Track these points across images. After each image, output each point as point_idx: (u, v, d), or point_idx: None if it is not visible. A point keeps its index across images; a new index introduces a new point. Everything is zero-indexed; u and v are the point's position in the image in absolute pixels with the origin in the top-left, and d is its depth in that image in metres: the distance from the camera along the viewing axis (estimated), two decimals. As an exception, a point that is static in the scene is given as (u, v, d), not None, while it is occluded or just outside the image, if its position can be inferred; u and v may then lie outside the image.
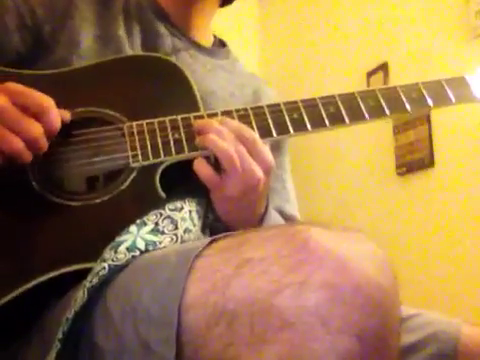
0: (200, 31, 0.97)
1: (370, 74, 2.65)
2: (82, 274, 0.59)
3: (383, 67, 2.58)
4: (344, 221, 2.53)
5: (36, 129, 0.66)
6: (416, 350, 0.79)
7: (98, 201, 0.70)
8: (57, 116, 0.69)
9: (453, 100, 0.85)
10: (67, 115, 0.73)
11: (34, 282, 0.64)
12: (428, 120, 2.31)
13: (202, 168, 0.73)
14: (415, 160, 2.37)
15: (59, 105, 0.74)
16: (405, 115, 0.84)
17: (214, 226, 0.77)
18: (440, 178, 2.27)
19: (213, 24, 1.02)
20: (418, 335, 0.80)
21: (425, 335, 0.80)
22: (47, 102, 0.68)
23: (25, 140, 0.65)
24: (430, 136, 2.31)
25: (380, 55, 2.60)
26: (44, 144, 0.68)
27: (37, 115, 0.67)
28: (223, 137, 0.72)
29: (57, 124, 0.68)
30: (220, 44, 1.03)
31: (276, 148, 0.95)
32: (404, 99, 0.83)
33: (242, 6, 3.30)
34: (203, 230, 0.73)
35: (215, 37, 1.03)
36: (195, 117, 0.76)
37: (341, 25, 2.89)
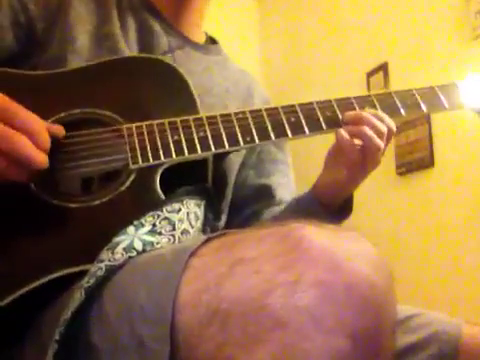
0: (192, 27, 0.97)
1: (370, 74, 2.65)
2: (81, 276, 0.58)
3: (383, 67, 2.57)
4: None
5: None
6: (417, 350, 0.78)
7: (97, 203, 0.69)
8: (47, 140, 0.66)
9: (447, 106, 0.88)
10: (62, 132, 0.71)
11: (34, 284, 0.63)
12: (428, 120, 2.31)
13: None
14: (415, 160, 2.36)
15: (56, 106, 0.73)
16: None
17: (214, 226, 0.77)
18: (440, 178, 2.27)
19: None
20: (419, 335, 0.79)
21: (426, 335, 0.79)
22: (37, 124, 0.65)
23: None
24: (430, 136, 2.31)
25: (380, 55, 2.60)
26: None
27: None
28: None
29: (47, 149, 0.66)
30: (211, 41, 1.03)
31: (278, 145, 1.00)
32: (399, 105, 0.85)
33: (242, 6, 3.30)
34: (203, 231, 0.73)
35: (206, 34, 1.03)
36: (195, 119, 0.76)
37: (341, 25, 2.88)
